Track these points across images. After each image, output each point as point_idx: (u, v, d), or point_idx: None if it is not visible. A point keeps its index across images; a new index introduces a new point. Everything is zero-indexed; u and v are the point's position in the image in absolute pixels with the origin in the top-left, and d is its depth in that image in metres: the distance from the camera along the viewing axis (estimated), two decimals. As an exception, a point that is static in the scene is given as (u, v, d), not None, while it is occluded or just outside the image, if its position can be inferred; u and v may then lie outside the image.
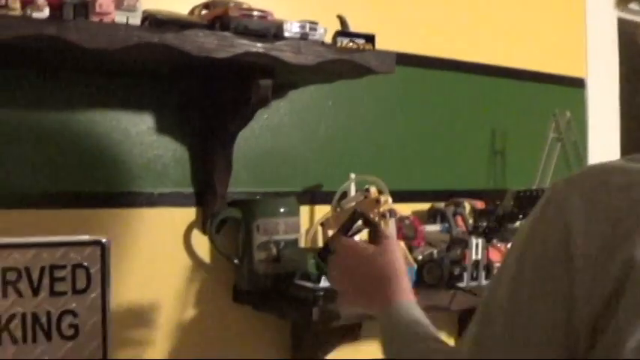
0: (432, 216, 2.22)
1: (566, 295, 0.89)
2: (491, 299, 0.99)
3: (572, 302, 0.88)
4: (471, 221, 2.20)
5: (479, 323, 1.00)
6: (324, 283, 1.71)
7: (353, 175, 2.02)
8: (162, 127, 1.87)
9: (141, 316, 1.84)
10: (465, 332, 1.03)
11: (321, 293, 1.69)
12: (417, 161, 2.34)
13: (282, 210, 1.88)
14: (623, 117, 3.04)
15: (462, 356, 1.01)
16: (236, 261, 1.89)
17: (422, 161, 2.35)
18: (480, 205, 2.25)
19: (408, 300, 1.29)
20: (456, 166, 2.45)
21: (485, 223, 2.11)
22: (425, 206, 2.29)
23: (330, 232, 1.89)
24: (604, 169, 0.94)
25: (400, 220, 2.02)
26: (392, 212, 1.82)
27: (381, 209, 1.82)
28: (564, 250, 0.89)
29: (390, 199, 1.85)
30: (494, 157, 2.56)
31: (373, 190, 1.87)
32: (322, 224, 2.01)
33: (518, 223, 2.26)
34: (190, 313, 1.91)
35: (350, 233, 1.70)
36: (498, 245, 2.13)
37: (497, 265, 2.07)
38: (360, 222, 1.69)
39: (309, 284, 1.71)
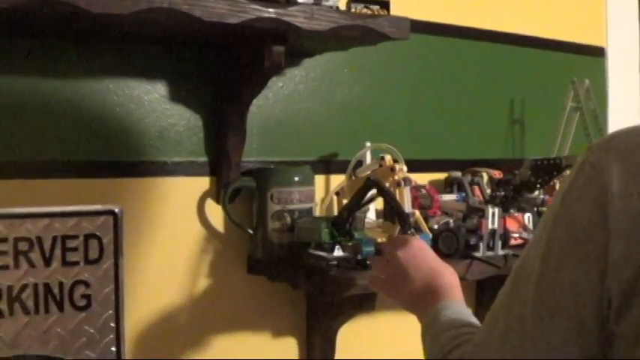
0: (448, 185, 2.20)
1: (599, 257, 0.87)
2: (524, 261, 0.97)
3: (605, 264, 0.87)
4: (488, 191, 2.18)
5: (510, 286, 0.99)
6: (337, 252, 1.70)
7: (368, 144, 2.00)
8: (175, 96, 1.84)
9: (154, 287, 1.83)
10: (496, 298, 1.02)
11: (335, 262, 1.67)
12: (434, 130, 2.32)
13: (296, 179, 1.86)
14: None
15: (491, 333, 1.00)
16: (250, 230, 1.87)
17: (439, 130, 2.33)
18: (497, 174, 2.23)
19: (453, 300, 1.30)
20: (474, 136, 2.42)
21: (502, 193, 2.09)
22: (441, 176, 2.26)
23: (345, 201, 1.87)
24: (637, 129, 0.92)
25: (416, 189, 2.00)
26: (407, 180, 1.80)
27: (396, 177, 1.80)
28: (600, 210, 0.88)
29: (404, 168, 1.82)
30: (513, 126, 2.53)
31: (388, 158, 1.84)
32: (337, 193, 1.99)
33: (535, 193, 2.24)
34: (204, 283, 1.90)
35: (363, 201, 1.69)
36: (515, 215, 2.11)
37: (515, 234, 2.05)
38: (374, 190, 1.68)
39: (322, 253, 1.69)
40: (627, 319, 0.86)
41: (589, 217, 0.89)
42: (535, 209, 2.18)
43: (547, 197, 2.22)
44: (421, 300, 1.31)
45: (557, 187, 2.27)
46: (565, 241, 0.91)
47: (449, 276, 1.36)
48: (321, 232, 1.69)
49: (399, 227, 1.74)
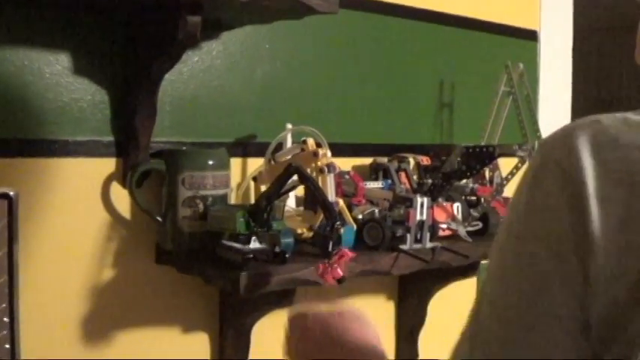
0: (373, 171, 2.07)
1: (579, 283, 0.71)
2: (482, 296, 0.80)
3: (586, 293, 0.71)
4: (415, 178, 2.06)
5: (470, 325, 0.81)
6: (254, 243, 1.55)
7: (289, 126, 1.86)
8: (79, 68, 1.67)
9: (52, 278, 1.66)
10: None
11: (251, 256, 1.53)
12: (359, 112, 2.18)
13: (210, 162, 1.71)
14: (575, 74, 2.93)
15: None
16: (159, 218, 1.72)
17: (364, 112, 2.19)
18: (425, 160, 2.11)
19: None
20: (401, 119, 2.30)
21: (430, 181, 1.98)
22: (366, 161, 2.13)
23: (264, 187, 1.73)
24: (604, 121, 0.77)
25: (339, 175, 1.87)
26: (331, 167, 1.66)
27: (319, 163, 1.66)
28: (576, 224, 0.71)
29: (328, 153, 1.69)
30: (442, 110, 2.42)
31: (311, 142, 1.71)
32: (255, 179, 1.84)
33: (464, 181, 2.14)
34: (108, 274, 1.74)
35: (284, 189, 1.55)
36: (444, 205, 2.00)
37: (443, 225, 1.94)
38: (295, 177, 1.54)
39: (237, 245, 1.54)
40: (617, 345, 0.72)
41: (560, 237, 0.73)
42: (464, 198, 2.07)
43: (477, 186, 2.11)
44: None
45: (488, 175, 2.18)
46: (539, 263, 0.74)
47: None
48: (237, 221, 1.55)
49: (321, 217, 1.61)
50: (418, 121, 2.36)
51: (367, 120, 2.20)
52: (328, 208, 1.46)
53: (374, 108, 2.22)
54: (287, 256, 1.56)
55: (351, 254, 1.49)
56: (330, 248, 1.46)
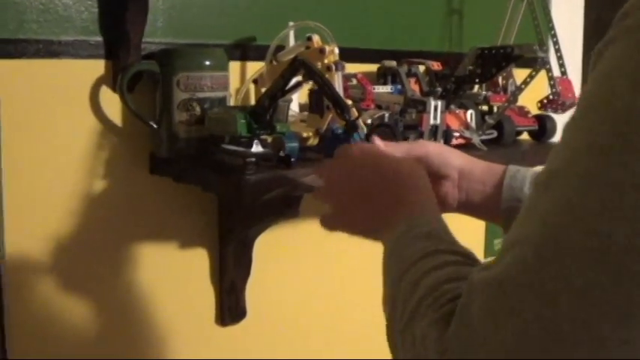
0: (381, 76, 1.94)
1: None
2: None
3: None
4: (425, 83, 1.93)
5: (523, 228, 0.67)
6: (256, 147, 1.43)
7: (291, 23, 1.71)
8: (63, -39, 1.53)
9: (38, 190, 1.54)
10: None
11: (254, 159, 1.40)
12: (364, 15, 2.04)
13: (207, 63, 1.57)
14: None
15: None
16: (152, 123, 1.59)
17: (369, 16, 2.05)
18: (436, 66, 1.98)
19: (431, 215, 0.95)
20: (407, 25, 2.15)
21: (440, 88, 1.85)
22: (371, 67, 2.00)
23: (264, 90, 1.60)
24: None
25: (346, 78, 1.73)
26: (339, 65, 1.53)
27: (326, 61, 1.53)
28: None
29: (336, 49, 1.55)
30: (450, 16, 2.28)
31: (316, 38, 1.58)
32: (255, 81, 1.71)
33: (476, 89, 2.02)
34: (98, 186, 1.61)
35: (288, 87, 1.42)
36: (457, 111, 1.87)
37: (456, 134, 1.81)
38: (301, 73, 1.41)
39: (239, 149, 1.42)
40: None
41: None
42: (477, 106, 1.95)
43: (490, 93, 1.99)
44: (390, 218, 0.96)
45: (501, 83, 2.05)
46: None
47: (423, 190, 1.00)
48: (237, 123, 1.41)
49: (329, 119, 1.49)
50: (425, 27, 2.22)
51: (373, 24, 2.06)
52: (340, 103, 1.32)
53: (379, 11, 2.08)
54: (292, 160, 1.44)
55: None
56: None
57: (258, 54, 1.77)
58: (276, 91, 1.41)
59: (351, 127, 1.31)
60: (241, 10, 1.77)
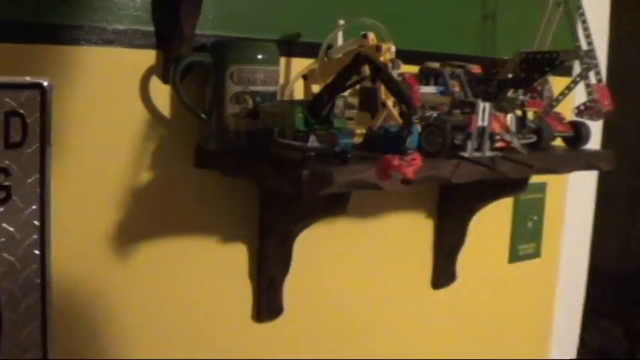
0: (424, 77, 1.93)
1: None
2: None
3: None
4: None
5: None
6: (312, 142, 1.42)
7: (342, 22, 1.71)
8: (119, -50, 1.53)
9: (86, 176, 1.54)
10: None
11: (312, 153, 1.40)
12: (405, 17, 2.04)
13: (260, 56, 1.57)
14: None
15: None
16: (203, 115, 1.58)
17: (408, 18, 2.05)
18: (477, 69, 1.98)
19: None
20: (444, 28, 2.16)
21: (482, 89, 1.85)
22: (411, 69, 1.99)
23: (315, 86, 1.59)
24: None
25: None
26: (395, 63, 1.53)
27: (382, 59, 1.53)
28: None
29: (392, 47, 1.55)
30: (484, 21, 2.28)
31: (372, 36, 1.58)
32: (305, 76, 1.71)
33: (511, 92, 2.02)
34: (145, 177, 1.61)
35: (348, 83, 1.42)
36: (497, 115, 1.87)
37: (497, 137, 1.81)
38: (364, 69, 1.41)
39: (297, 143, 1.41)
40: None
41: None
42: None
43: (527, 98, 1.99)
44: None
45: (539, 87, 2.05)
46: None
47: None
48: (295, 117, 1.41)
49: (383, 117, 1.49)
50: (460, 30, 2.22)
51: (415, 26, 2.07)
52: (406, 99, 1.32)
53: (418, 14, 2.08)
54: (349, 155, 1.43)
55: (421, 160, 1.36)
56: (407, 143, 1.33)
57: (302, 51, 1.78)
58: (338, 86, 1.41)
59: (409, 124, 1.32)
60: (288, 6, 1.77)
